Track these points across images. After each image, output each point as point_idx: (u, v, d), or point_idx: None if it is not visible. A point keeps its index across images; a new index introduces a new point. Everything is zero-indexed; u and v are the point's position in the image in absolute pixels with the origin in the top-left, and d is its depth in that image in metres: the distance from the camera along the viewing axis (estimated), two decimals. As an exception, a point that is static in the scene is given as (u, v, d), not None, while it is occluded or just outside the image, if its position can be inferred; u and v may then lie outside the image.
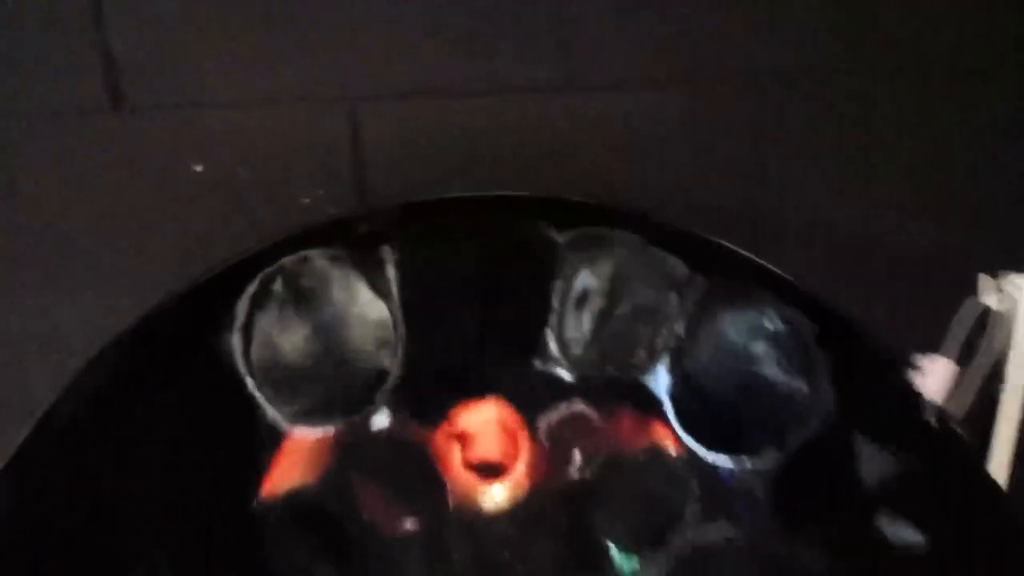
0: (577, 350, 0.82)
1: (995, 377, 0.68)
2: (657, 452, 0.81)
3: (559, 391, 0.81)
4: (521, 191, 0.78)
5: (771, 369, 0.78)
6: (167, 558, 0.71)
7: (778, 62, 0.88)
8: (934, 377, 0.67)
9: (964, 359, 0.68)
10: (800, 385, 0.78)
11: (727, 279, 0.78)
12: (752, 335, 0.80)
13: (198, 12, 0.78)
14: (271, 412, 0.77)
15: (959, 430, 0.70)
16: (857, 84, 0.90)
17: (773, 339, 0.77)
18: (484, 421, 0.82)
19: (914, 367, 0.69)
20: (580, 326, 0.82)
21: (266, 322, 0.76)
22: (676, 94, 0.88)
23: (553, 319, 0.81)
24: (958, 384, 0.66)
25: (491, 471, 0.82)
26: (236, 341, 0.75)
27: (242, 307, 0.75)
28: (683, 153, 0.90)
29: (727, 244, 0.75)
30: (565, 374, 0.82)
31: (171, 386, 0.72)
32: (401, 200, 0.78)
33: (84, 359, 0.67)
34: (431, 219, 0.78)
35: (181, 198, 0.80)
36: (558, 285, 0.80)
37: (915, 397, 0.69)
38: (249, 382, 0.76)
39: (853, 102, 0.91)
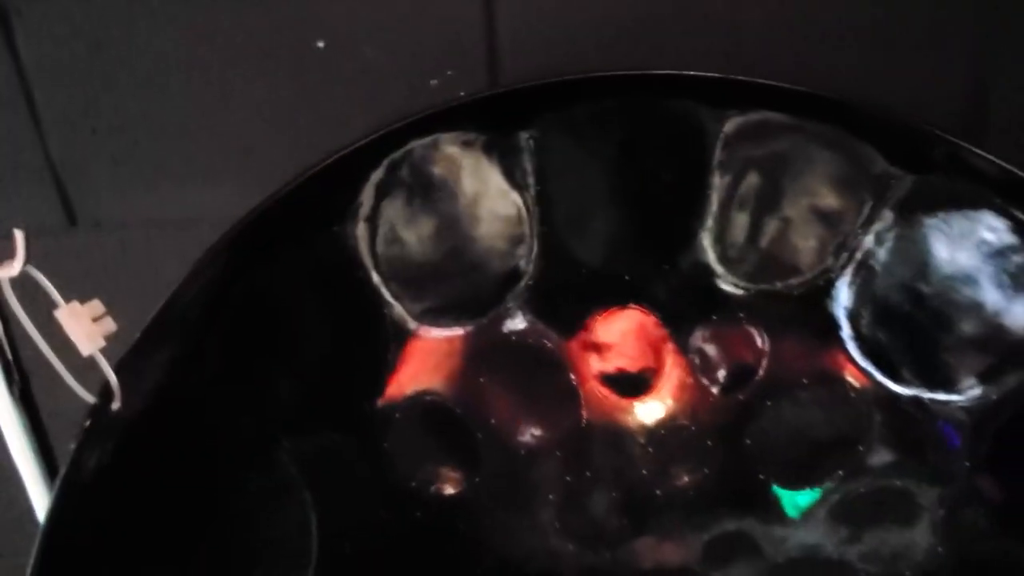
0: (738, 257, 0.53)
1: None
2: (828, 379, 0.53)
3: (713, 301, 0.54)
4: (676, 70, 0.48)
5: (988, 290, 0.44)
6: (289, 446, 0.50)
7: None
8: None
9: None
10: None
11: (938, 177, 0.42)
12: (965, 247, 0.49)
13: None
14: (398, 309, 0.53)
15: None
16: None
17: (996, 253, 0.41)
18: (625, 331, 0.55)
19: None
20: (743, 229, 0.53)
21: (393, 212, 0.52)
22: None
23: (710, 220, 0.53)
24: None
25: (630, 385, 0.55)
26: (362, 231, 0.52)
27: (367, 194, 0.51)
28: (887, 29, 0.54)
29: (939, 132, 0.39)
30: (722, 284, 0.54)
31: (295, 273, 0.50)
32: (538, 80, 0.49)
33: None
34: (572, 102, 0.51)
35: (304, 77, 0.51)
36: (718, 180, 0.52)
37: None
38: (375, 276, 0.52)
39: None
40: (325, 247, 0.48)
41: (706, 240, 0.50)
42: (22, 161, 0.56)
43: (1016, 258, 0.44)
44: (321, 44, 0.54)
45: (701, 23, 0.54)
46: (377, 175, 0.48)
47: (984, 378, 0.45)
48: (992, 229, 0.44)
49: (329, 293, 0.49)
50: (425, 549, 0.48)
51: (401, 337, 0.50)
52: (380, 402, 0.50)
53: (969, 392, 0.46)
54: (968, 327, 0.46)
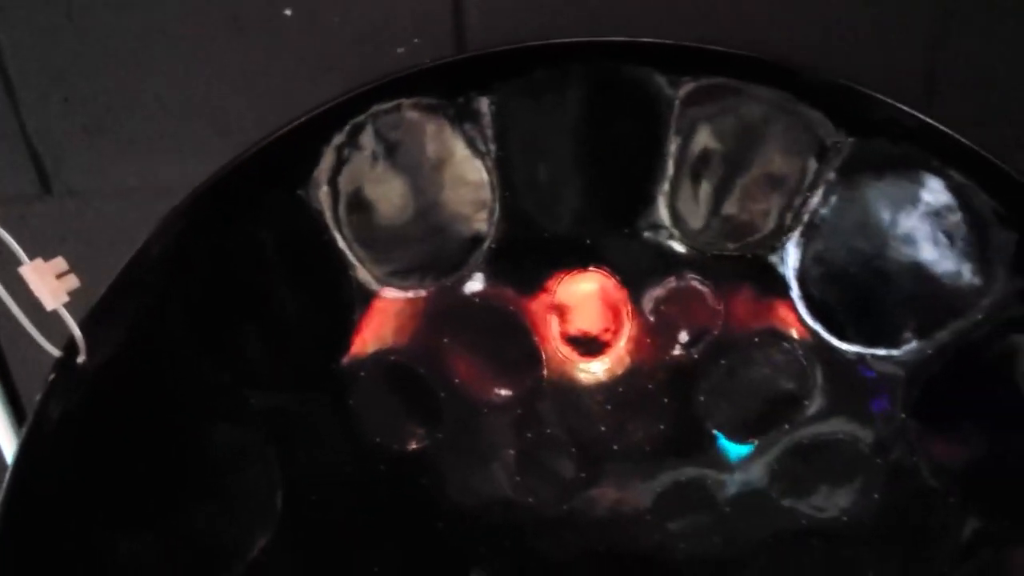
0: (692, 219, 0.55)
1: None
2: (776, 336, 0.54)
3: (669, 263, 0.55)
4: (634, 37, 0.49)
5: (927, 248, 0.45)
6: (255, 401, 0.51)
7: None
8: None
9: None
10: (964, 269, 0.47)
11: (879, 140, 0.43)
12: (906, 208, 0.50)
13: None
14: (362, 271, 0.54)
15: None
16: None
17: (934, 214, 0.43)
18: (585, 293, 0.56)
19: None
20: (697, 192, 0.54)
21: (356, 175, 0.53)
22: None
23: (667, 183, 0.54)
24: None
25: (590, 345, 0.56)
26: (325, 194, 0.52)
27: (330, 158, 0.51)
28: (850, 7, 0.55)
29: (879, 96, 0.40)
30: (677, 245, 0.55)
31: (259, 234, 0.51)
32: (499, 47, 0.51)
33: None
34: (533, 69, 0.51)
35: (273, 45, 0.51)
36: (674, 145, 0.53)
37: None
38: (339, 238, 0.53)
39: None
40: (289, 209, 0.49)
41: (663, 203, 0.52)
42: (-5, 131, 0.57)
43: (952, 217, 0.45)
44: (288, 12, 0.54)
45: None
46: (339, 138, 0.49)
47: (921, 333, 0.47)
48: (931, 190, 0.46)
49: (294, 254, 0.50)
50: (388, 502, 0.50)
51: (366, 298, 0.51)
52: (345, 361, 0.51)
53: (906, 347, 0.48)
54: (908, 285, 0.47)
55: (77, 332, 0.37)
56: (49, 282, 0.36)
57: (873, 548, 0.46)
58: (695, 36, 0.50)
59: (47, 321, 0.39)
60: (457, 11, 0.56)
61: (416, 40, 0.55)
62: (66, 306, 0.37)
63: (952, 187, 0.45)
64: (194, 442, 0.45)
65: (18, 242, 0.37)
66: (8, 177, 0.58)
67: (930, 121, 0.43)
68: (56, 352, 0.39)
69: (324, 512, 0.48)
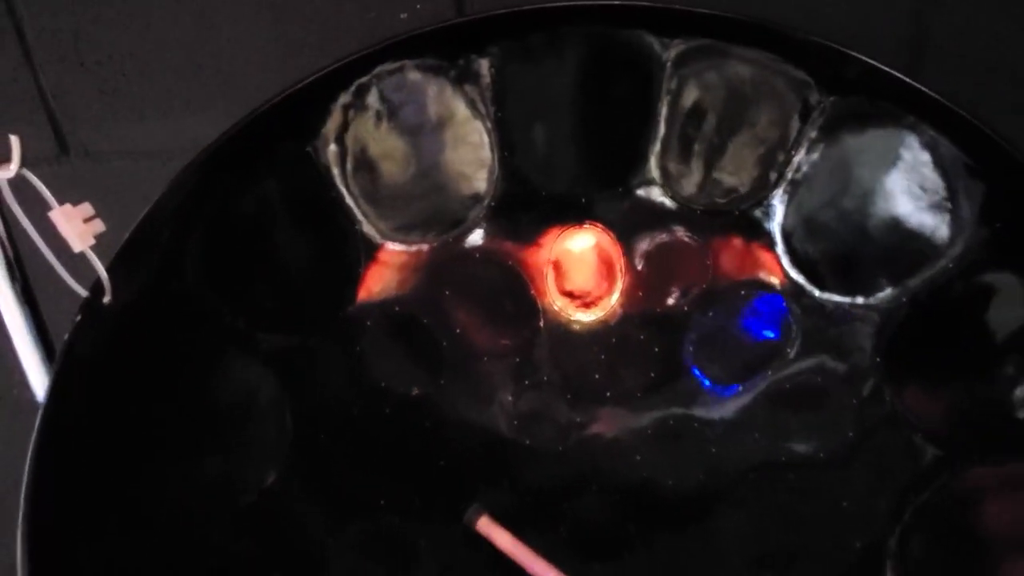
0: (683, 177, 0.57)
1: None
2: (761, 287, 0.57)
3: (661, 219, 0.58)
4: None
5: (903, 203, 0.49)
6: (267, 346, 0.54)
7: None
8: None
9: None
10: (936, 220, 0.50)
11: (860, 99, 0.49)
12: (883, 164, 0.53)
13: None
14: (367, 226, 0.57)
15: None
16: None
17: (910, 167, 0.46)
18: (580, 248, 0.59)
19: None
20: (688, 151, 0.57)
21: (361, 134, 0.55)
22: None
23: (659, 143, 0.56)
24: None
25: (584, 297, 0.59)
26: (332, 151, 0.55)
27: (337, 117, 0.54)
28: None
29: (863, 57, 0.43)
30: (668, 202, 0.58)
31: (269, 189, 0.54)
32: (496, 11, 0.53)
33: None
34: (529, 32, 0.54)
35: (280, 9, 0.54)
36: (665, 105, 0.55)
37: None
38: (345, 194, 0.55)
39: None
40: (298, 165, 0.52)
41: (654, 162, 0.54)
42: (14, 93, 0.59)
43: (928, 172, 0.48)
44: None
45: None
46: (346, 98, 0.51)
47: (894, 282, 0.50)
48: (907, 146, 0.49)
49: (303, 208, 0.53)
50: (393, 441, 0.53)
51: (371, 251, 0.54)
52: (352, 309, 0.54)
53: (881, 295, 0.51)
54: (884, 237, 0.50)
55: (103, 273, 0.40)
56: (77, 226, 0.39)
57: (845, 479, 0.50)
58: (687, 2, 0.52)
59: (74, 264, 0.42)
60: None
61: (419, 5, 0.57)
62: (92, 249, 0.40)
63: (925, 142, 0.48)
64: (210, 381, 0.48)
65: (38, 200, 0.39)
66: (27, 139, 0.60)
67: (905, 78, 0.46)
68: (83, 292, 0.42)
69: (332, 450, 0.51)
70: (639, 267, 0.55)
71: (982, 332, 0.47)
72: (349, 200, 0.53)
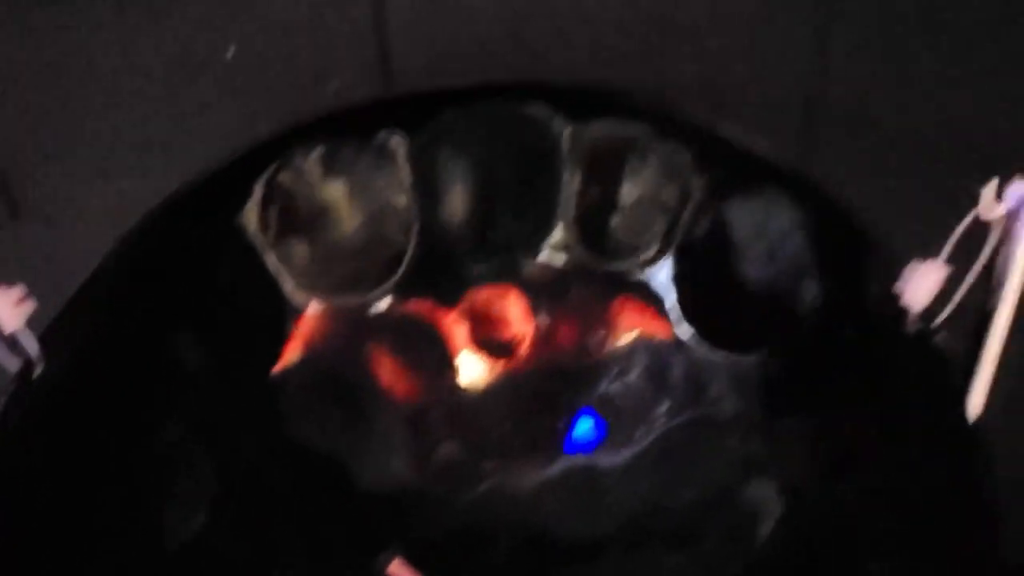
0: (586, 239, 0.62)
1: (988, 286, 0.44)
2: (655, 342, 0.61)
3: (568, 278, 0.63)
4: (542, 74, 0.61)
5: (774, 265, 0.56)
6: (187, 425, 0.57)
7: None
8: (925, 281, 0.46)
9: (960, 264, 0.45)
10: (798, 283, 0.56)
11: (734, 170, 0.55)
12: (755, 229, 0.58)
13: None
14: (293, 287, 0.60)
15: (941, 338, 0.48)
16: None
17: (779, 235, 0.51)
18: (494, 304, 0.62)
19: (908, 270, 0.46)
20: (590, 216, 0.62)
21: (287, 204, 0.60)
22: None
23: (564, 208, 0.61)
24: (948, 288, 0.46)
25: (497, 350, 0.63)
26: (258, 221, 0.60)
27: (263, 188, 0.58)
28: (728, 36, 0.64)
29: (734, 134, 0.49)
30: (574, 262, 0.63)
31: (199, 256, 0.58)
32: (413, 90, 0.60)
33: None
34: (445, 108, 0.59)
35: (218, 81, 0.62)
36: (567, 175, 0.60)
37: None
38: (272, 259, 0.60)
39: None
40: (226, 236, 0.57)
41: (562, 226, 0.60)
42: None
43: (792, 238, 0.54)
44: (231, 52, 0.62)
45: (575, 30, 0.63)
46: (271, 171, 0.57)
47: (769, 339, 0.56)
48: (775, 214, 0.54)
49: (231, 275, 0.57)
50: (312, 493, 0.58)
51: (297, 311, 0.59)
52: (278, 368, 0.59)
53: (758, 351, 0.56)
54: (762, 299, 0.56)
55: (34, 349, 0.45)
56: (7, 308, 0.43)
57: (725, 525, 0.55)
58: (592, 74, 0.58)
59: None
60: (383, 49, 0.63)
61: (344, 78, 0.62)
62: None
63: (792, 210, 0.53)
64: (138, 440, 0.53)
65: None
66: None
67: (768, 154, 0.51)
68: (15, 366, 0.47)
69: (253, 501, 0.56)
70: (547, 322, 0.60)
71: (851, 386, 0.52)
72: (275, 265, 0.57)
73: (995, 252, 0.41)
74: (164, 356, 0.54)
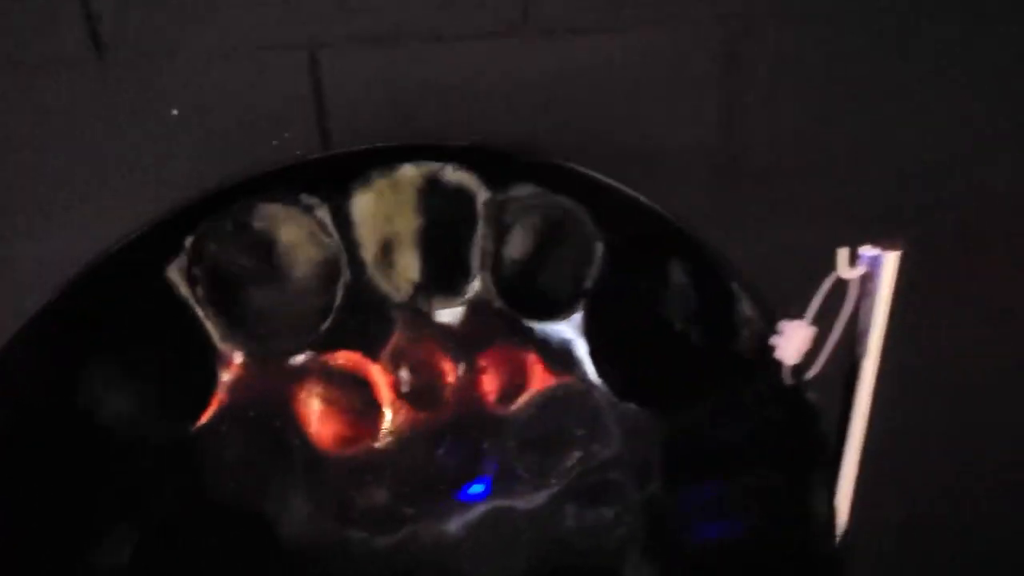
0: (502, 291, 0.66)
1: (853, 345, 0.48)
2: (569, 391, 0.64)
3: (489, 327, 0.66)
4: (463, 135, 0.61)
5: (675, 322, 0.56)
6: (117, 490, 0.58)
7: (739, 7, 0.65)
8: (792, 340, 0.48)
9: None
10: (704, 340, 0.57)
11: (633, 229, 0.59)
12: (651, 286, 0.62)
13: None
14: (222, 341, 0.63)
15: (809, 394, 0.51)
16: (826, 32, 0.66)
17: (676, 293, 0.55)
18: (420, 352, 0.65)
19: (776, 331, 0.50)
20: (504, 269, 0.66)
21: (217, 260, 0.62)
22: (635, 37, 0.66)
23: (476, 263, 0.65)
24: (815, 348, 0.49)
25: (422, 399, 0.66)
26: (188, 277, 0.62)
27: (195, 245, 0.61)
28: (642, 98, 0.68)
29: (632, 193, 0.57)
30: (494, 312, 0.66)
31: (128, 312, 0.60)
32: (342, 150, 0.62)
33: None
34: (370, 167, 0.62)
35: (159, 140, 0.65)
36: (480, 230, 0.64)
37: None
38: (202, 314, 0.62)
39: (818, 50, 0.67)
40: (158, 291, 0.59)
41: (479, 277, 0.64)
42: None
43: (691, 297, 0.58)
44: (175, 112, 0.65)
45: (506, 89, 0.67)
46: (204, 227, 0.60)
47: (667, 392, 0.59)
48: (670, 274, 0.59)
49: (161, 329, 0.60)
50: (234, 550, 0.60)
51: (226, 361, 0.62)
52: (206, 419, 0.61)
53: (669, 405, 0.60)
54: (667, 352, 0.60)
55: None
56: None
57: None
58: (511, 137, 0.62)
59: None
60: (319, 109, 0.67)
61: (287, 135, 0.66)
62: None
63: (686, 268, 0.58)
64: (62, 499, 0.54)
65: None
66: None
67: (665, 213, 0.56)
68: None
69: (173, 559, 0.58)
70: (470, 370, 0.64)
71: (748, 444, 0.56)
72: (205, 318, 0.60)
73: (855, 310, 0.45)
74: (93, 410, 0.56)
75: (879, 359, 0.46)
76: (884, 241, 0.45)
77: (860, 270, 0.43)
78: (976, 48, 0.71)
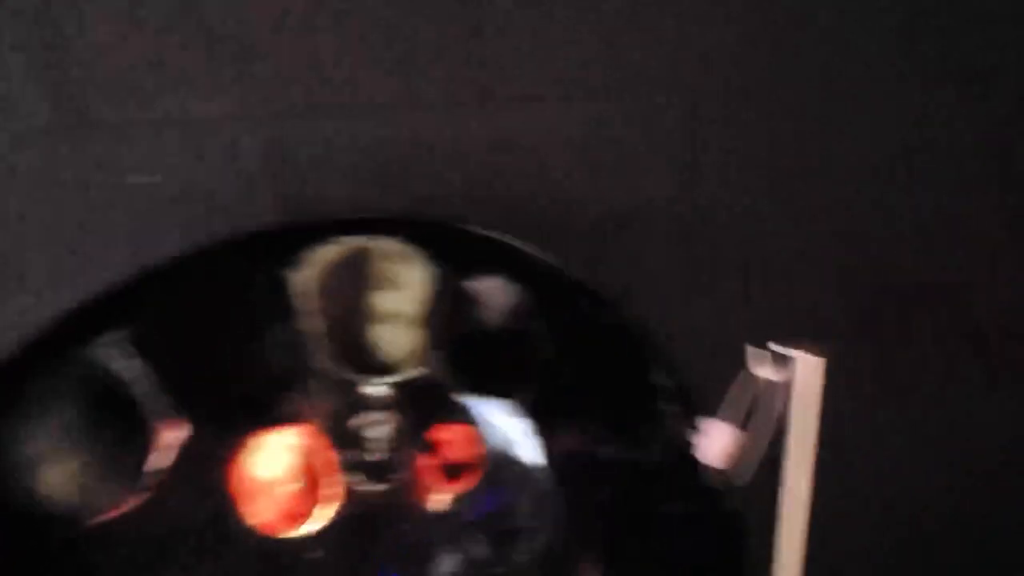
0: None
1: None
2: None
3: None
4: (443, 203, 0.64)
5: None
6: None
7: (692, 79, 0.66)
8: (715, 440, 0.46)
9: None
10: None
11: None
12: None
13: (136, 41, 0.64)
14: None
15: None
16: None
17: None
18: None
19: (698, 429, 0.47)
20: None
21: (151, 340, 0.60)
22: (591, 106, 0.66)
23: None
24: (741, 450, 0.46)
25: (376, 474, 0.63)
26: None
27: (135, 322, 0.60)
28: (599, 164, 0.68)
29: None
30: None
31: (65, 387, 0.59)
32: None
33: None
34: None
35: (117, 209, 0.67)
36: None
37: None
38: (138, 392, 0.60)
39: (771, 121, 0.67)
40: (91, 367, 0.58)
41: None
42: None
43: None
44: (137, 180, 0.65)
45: (464, 157, 0.67)
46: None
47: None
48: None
49: (99, 405, 0.59)
50: None
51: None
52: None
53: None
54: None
55: None
56: None
57: None
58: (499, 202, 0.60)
59: None
60: (278, 178, 0.66)
61: (242, 206, 0.66)
62: None
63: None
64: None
65: None
66: None
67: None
68: None
69: None
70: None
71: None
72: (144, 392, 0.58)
73: (772, 413, 0.41)
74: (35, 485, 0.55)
75: (811, 468, 0.41)
76: (807, 340, 0.40)
77: (773, 371, 0.39)
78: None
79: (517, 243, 0.53)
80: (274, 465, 0.61)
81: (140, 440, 0.59)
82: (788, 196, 0.66)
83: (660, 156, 0.65)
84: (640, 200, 0.64)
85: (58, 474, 0.58)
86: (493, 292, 0.51)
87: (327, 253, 0.56)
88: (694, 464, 0.44)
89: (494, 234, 0.54)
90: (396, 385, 0.59)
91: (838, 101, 0.64)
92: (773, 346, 0.40)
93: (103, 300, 0.55)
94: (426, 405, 0.59)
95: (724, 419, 0.42)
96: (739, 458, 0.42)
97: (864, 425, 0.69)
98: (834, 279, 0.67)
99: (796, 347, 0.40)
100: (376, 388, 0.60)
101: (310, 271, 0.57)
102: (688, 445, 0.44)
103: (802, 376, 0.38)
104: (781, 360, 0.40)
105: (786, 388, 0.40)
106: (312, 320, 0.59)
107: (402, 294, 0.56)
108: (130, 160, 0.65)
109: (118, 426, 0.60)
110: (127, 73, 0.63)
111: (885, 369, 0.68)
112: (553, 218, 0.63)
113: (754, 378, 0.41)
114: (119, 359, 0.59)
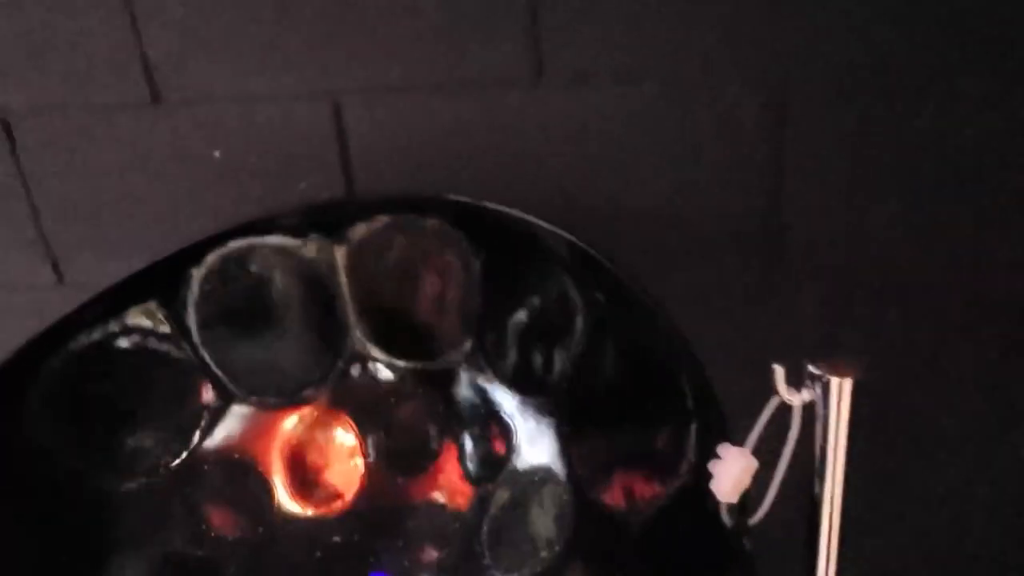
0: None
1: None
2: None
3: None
4: (500, 186, 0.61)
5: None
6: (106, 486, 0.60)
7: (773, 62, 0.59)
8: (730, 470, 0.41)
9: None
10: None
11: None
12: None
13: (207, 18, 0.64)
14: (220, 383, 0.64)
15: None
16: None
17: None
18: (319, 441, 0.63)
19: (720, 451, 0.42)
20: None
21: (220, 303, 0.63)
22: (653, 89, 0.61)
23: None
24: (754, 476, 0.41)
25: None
26: (191, 317, 0.62)
27: (195, 285, 0.63)
28: (660, 153, 0.62)
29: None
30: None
31: (120, 344, 0.61)
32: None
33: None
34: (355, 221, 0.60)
35: (201, 182, 0.69)
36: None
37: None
38: (200, 354, 0.63)
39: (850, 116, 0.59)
40: (156, 328, 0.60)
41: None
42: None
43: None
44: (217, 154, 0.67)
45: (519, 140, 0.64)
46: (201, 271, 0.60)
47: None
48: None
49: (156, 367, 0.62)
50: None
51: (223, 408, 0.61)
52: (190, 457, 0.61)
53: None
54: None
55: None
56: None
57: None
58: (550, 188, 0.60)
59: None
60: (343, 156, 0.66)
61: (305, 183, 0.67)
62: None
63: None
64: (47, 523, 0.56)
65: None
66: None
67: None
68: None
69: None
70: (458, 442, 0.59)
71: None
72: (196, 361, 0.60)
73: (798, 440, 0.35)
74: (81, 438, 0.58)
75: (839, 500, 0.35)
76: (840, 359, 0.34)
77: (804, 395, 0.33)
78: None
79: (565, 234, 0.48)
80: (304, 446, 0.59)
81: (183, 405, 0.59)
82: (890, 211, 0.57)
83: (733, 153, 0.56)
84: (704, 202, 0.57)
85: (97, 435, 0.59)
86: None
87: (371, 231, 0.54)
88: (709, 495, 0.38)
89: (539, 221, 0.49)
90: (429, 371, 0.56)
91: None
92: (810, 366, 0.33)
93: (147, 273, 0.55)
94: (457, 395, 0.56)
95: (747, 445, 0.36)
96: (749, 489, 0.35)
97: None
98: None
99: (836, 367, 0.33)
100: (409, 372, 0.57)
101: (353, 248, 0.55)
102: (707, 473, 0.38)
103: (835, 399, 0.31)
104: (816, 381, 0.33)
105: (821, 413, 0.33)
106: (351, 299, 0.57)
107: (443, 277, 0.53)
108: (196, 136, 0.65)
109: (165, 391, 0.60)
110: (197, 49, 0.63)
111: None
112: (605, 211, 0.58)
113: (783, 401, 0.34)
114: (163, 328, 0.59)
